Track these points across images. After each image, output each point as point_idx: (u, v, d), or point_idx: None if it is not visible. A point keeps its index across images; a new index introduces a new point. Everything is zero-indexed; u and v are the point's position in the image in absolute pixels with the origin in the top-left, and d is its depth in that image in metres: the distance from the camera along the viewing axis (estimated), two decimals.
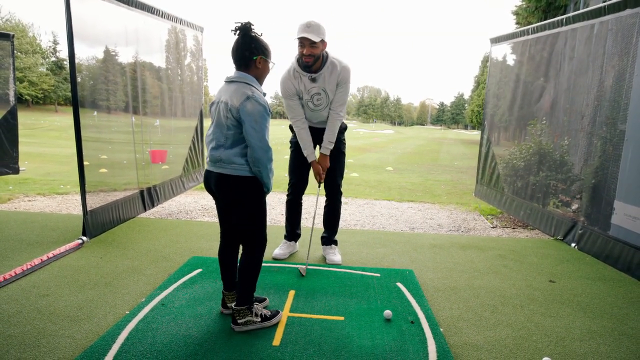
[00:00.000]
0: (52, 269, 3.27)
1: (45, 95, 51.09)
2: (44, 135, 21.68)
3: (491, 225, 5.41)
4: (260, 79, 2.42)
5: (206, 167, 2.49)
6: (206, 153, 2.52)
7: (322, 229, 3.86)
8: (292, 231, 3.82)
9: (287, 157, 3.73)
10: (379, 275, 3.41)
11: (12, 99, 7.10)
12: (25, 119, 27.88)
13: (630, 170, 3.74)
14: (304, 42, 3.11)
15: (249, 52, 2.33)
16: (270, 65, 2.45)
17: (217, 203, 2.57)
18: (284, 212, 3.92)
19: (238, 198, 2.39)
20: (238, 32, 2.33)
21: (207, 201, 6.17)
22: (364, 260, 3.77)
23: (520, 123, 5.75)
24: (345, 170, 3.73)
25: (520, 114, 5.69)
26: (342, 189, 3.71)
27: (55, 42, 56.17)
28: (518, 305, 2.99)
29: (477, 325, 2.67)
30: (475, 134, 47.03)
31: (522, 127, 5.67)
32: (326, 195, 3.72)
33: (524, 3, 15.74)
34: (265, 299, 2.80)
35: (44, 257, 3.39)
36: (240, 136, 2.31)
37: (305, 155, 3.47)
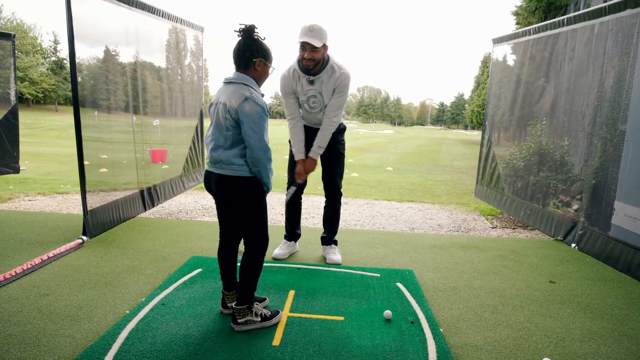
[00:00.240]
0: (52, 269, 3.28)
1: (45, 94, 51.15)
2: (44, 135, 21.69)
3: (491, 226, 5.41)
4: (258, 81, 2.42)
5: (206, 167, 2.49)
6: (206, 153, 2.53)
7: (322, 230, 3.86)
8: (292, 231, 3.82)
9: (287, 156, 3.73)
10: (378, 275, 3.41)
11: (13, 98, 7.10)
12: (26, 119, 27.89)
13: (630, 170, 3.74)
14: (305, 46, 3.11)
15: (250, 53, 2.34)
16: (270, 70, 2.46)
17: (216, 203, 2.57)
18: (283, 212, 3.92)
19: (239, 198, 2.40)
20: (241, 33, 2.34)
21: (207, 201, 6.17)
22: (364, 261, 3.78)
23: (520, 123, 5.75)
24: (346, 170, 3.74)
25: (520, 114, 5.69)
26: (342, 190, 3.71)
27: (56, 42, 56.26)
28: (518, 305, 2.99)
29: (477, 326, 2.67)
30: (475, 134, 47.05)
31: (523, 128, 5.67)
32: (326, 196, 3.72)
33: (524, 3, 15.73)
34: (265, 299, 2.80)
35: (44, 257, 3.39)
36: (239, 137, 2.31)
37: (294, 152, 3.47)
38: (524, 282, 3.43)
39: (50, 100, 53.74)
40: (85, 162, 3.93)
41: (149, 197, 5.11)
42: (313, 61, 3.16)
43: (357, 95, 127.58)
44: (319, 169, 3.63)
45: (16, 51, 7.40)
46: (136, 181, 4.91)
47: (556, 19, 4.88)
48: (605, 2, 4.50)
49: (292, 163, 3.61)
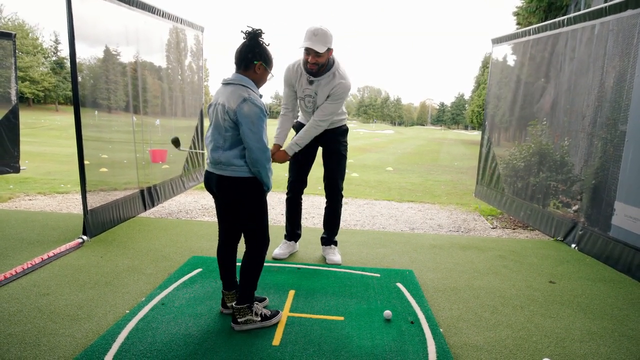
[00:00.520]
0: (52, 268, 3.28)
1: (46, 94, 51.21)
2: (44, 135, 21.70)
3: (491, 226, 5.41)
4: (257, 84, 2.43)
5: (206, 167, 2.50)
6: (206, 153, 2.53)
7: (322, 230, 3.86)
8: (292, 231, 3.82)
9: None
10: (378, 275, 3.41)
11: (13, 98, 7.11)
12: (26, 118, 27.90)
13: (630, 171, 3.74)
14: (309, 51, 3.10)
15: (252, 55, 2.35)
16: (269, 76, 2.47)
17: (216, 203, 2.58)
18: (284, 212, 3.92)
19: (239, 198, 2.41)
20: (247, 35, 2.35)
21: (207, 201, 6.18)
22: (364, 261, 3.78)
23: (520, 123, 5.75)
24: (346, 171, 3.74)
25: (520, 115, 5.69)
26: (342, 191, 3.70)
27: (56, 42, 56.31)
28: (518, 306, 2.99)
29: (477, 326, 2.67)
30: (476, 134, 47.05)
31: (523, 128, 5.67)
32: (326, 197, 3.72)
33: (524, 3, 15.72)
34: (265, 299, 2.80)
35: (45, 256, 3.40)
36: (238, 137, 2.32)
37: (274, 136, 3.46)
38: (524, 283, 3.43)
39: (51, 99, 53.79)
40: (86, 162, 3.93)
41: (149, 196, 5.11)
42: (317, 65, 3.16)
43: (358, 95, 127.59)
44: (320, 170, 3.63)
45: (17, 51, 7.40)
46: (136, 181, 4.91)
47: (556, 20, 4.88)
48: (605, 2, 4.50)
49: (294, 163, 3.61)
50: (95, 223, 4.11)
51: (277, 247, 3.82)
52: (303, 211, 4.04)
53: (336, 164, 3.56)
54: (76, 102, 3.83)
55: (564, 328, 2.69)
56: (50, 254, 3.47)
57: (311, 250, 3.99)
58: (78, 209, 5.27)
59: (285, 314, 2.70)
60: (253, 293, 2.51)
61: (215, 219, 4.95)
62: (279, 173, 8.27)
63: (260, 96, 2.42)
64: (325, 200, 3.75)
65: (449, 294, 3.15)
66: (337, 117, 3.51)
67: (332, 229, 3.77)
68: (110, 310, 2.67)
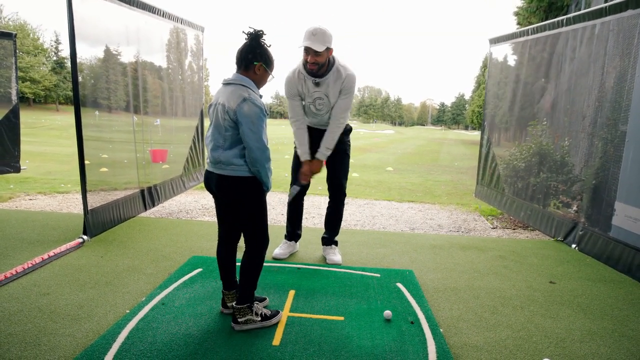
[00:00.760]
0: (52, 268, 3.28)
1: (47, 94, 51.27)
2: (45, 134, 21.71)
3: (491, 226, 5.41)
4: (257, 85, 2.43)
5: (206, 167, 2.51)
6: (206, 153, 2.54)
7: (322, 230, 3.85)
8: (293, 231, 3.82)
9: (287, 157, 3.73)
10: (379, 275, 3.41)
11: (14, 97, 7.11)
12: (27, 118, 27.92)
13: (631, 171, 3.74)
14: (308, 50, 3.10)
15: (252, 55, 2.35)
16: (269, 77, 2.48)
17: (216, 202, 2.58)
18: (284, 212, 3.93)
19: (239, 198, 2.41)
20: (248, 35, 2.35)
21: (208, 201, 6.18)
22: (364, 261, 3.78)
23: (520, 124, 5.75)
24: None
25: (520, 115, 5.69)
26: (345, 191, 3.70)
27: (57, 42, 56.36)
28: (518, 306, 2.99)
29: (477, 326, 2.67)
30: (476, 135, 47.02)
31: (523, 128, 5.67)
32: (330, 197, 3.72)
33: (525, 3, 15.70)
34: (265, 299, 2.80)
35: (45, 256, 3.40)
36: (238, 137, 2.32)
37: (299, 154, 3.46)
38: (524, 283, 3.42)
39: (51, 99, 53.84)
40: (86, 162, 3.93)
41: (149, 196, 5.11)
42: (317, 65, 3.15)
43: (358, 95, 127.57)
44: (323, 170, 3.63)
45: (18, 51, 7.42)
46: (137, 181, 4.91)
47: (555, 20, 4.87)
48: (606, 2, 4.50)
49: (296, 163, 3.61)
50: (96, 223, 4.11)
51: (277, 247, 3.82)
52: (303, 211, 4.04)
53: (339, 163, 3.56)
54: (77, 102, 3.84)
55: (564, 328, 2.69)
56: (51, 253, 3.47)
57: (311, 250, 3.99)
58: (78, 209, 5.27)
59: (285, 314, 2.70)
60: (253, 293, 2.52)
61: (215, 219, 4.95)
62: (279, 173, 8.27)
63: (261, 96, 2.43)
64: (327, 199, 3.74)
65: (449, 294, 3.15)
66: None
67: (333, 229, 3.77)
68: (111, 310, 2.67)
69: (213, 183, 2.45)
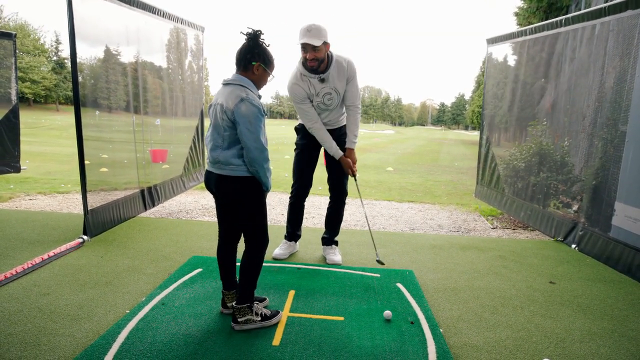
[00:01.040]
0: (52, 268, 3.28)
1: (47, 94, 51.31)
2: (45, 134, 21.71)
3: (491, 226, 5.41)
4: (256, 85, 2.43)
5: (206, 167, 2.51)
6: (206, 153, 2.55)
7: (322, 230, 3.85)
8: (293, 232, 3.82)
9: (288, 157, 3.74)
10: (378, 275, 3.41)
11: (14, 97, 7.12)
12: (27, 118, 27.93)
13: (631, 171, 3.74)
14: (306, 47, 3.12)
15: (251, 55, 2.36)
16: (270, 77, 2.48)
17: (216, 202, 2.58)
18: (284, 212, 3.93)
19: (238, 198, 2.42)
20: (247, 35, 2.36)
21: (208, 201, 6.18)
22: (364, 261, 3.78)
23: (520, 124, 5.75)
24: None
25: (520, 115, 5.69)
26: (346, 190, 3.70)
27: (57, 42, 56.37)
28: (518, 306, 2.99)
29: (477, 326, 2.67)
30: (476, 135, 47.00)
31: (523, 128, 5.67)
32: (331, 197, 3.72)
33: (524, 4, 15.70)
34: (265, 299, 2.80)
35: (45, 256, 3.40)
36: (236, 137, 2.33)
37: (332, 154, 3.46)
38: (524, 283, 3.42)
39: (51, 99, 53.85)
40: (86, 162, 3.93)
41: (149, 196, 5.11)
42: (317, 61, 3.17)
43: None
44: (323, 171, 3.63)
45: (18, 51, 7.43)
46: (137, 181, 4.91)
47: (553, 20, 4.87)
48: (606, 2, 4.50)
49: (299, 167, 3.60)
50: (96, 223, 4.11)
51: (277, 247, 3.82)
52: (304, 212, 4.04)
53: (340, 163, 3.56)
54: (77, 102, 3.84)
55: (564, 328, 2.69)
56: (51, 253, 3.47)
57: (311, 250, 3.99)
58: (78, 209, 5.27)
59: (285, 314, 2.70)
60: (253, 293, 2.52)
61: (216, 219, 4.95)
62: (279, 173, 8.27)
63: (260, 97, 2.43)
64: (327, 199, 3.74)
65: (449, 294, 3.15)
66: (341, 116, 3.53)
67: (333, 229, 3.77)
68: (111, 310, 2.67)
69: (212, 183, 2.46)
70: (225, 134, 2.34)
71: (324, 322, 2.63)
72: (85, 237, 3.92)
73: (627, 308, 3.04)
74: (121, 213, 4.55)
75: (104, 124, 4.70)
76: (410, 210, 6.22)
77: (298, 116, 3.56)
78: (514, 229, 5.28)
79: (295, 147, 3.66)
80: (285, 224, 3.88)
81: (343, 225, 3.82)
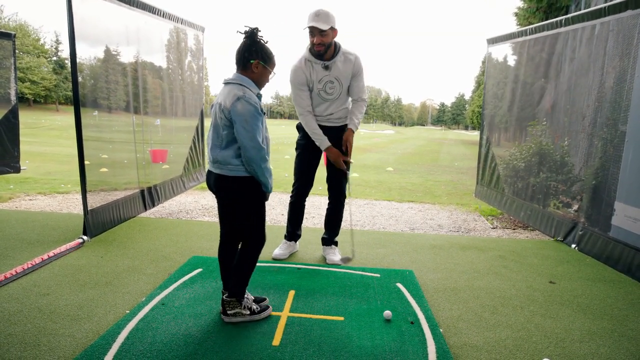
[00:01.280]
0: (52, 268, 3.28)
1: (47, 94, 51.32)
2: (44, 135, 21.71)
3: (491, 226, 5.41)
4: (257, 84, 2.43)
5: (207, 167, 2.52)
6: (207, 153, 2.55)
7: (322, 230, 3.85)
8: (293, 232, 3.82)
9: (288, 157, 3.74)
10: (378, 275, 3.41)
11: (13, 98, 7.12)
12: (27, 118, 27.91)
13: (630, 171, 3.74)
14: (313, 31, 3.15)
15: (249, 54, 2.36)
16: (270, 75, 2.47)
17: (218, 202, 2.59)
18: (284, 212, 3.93)
19: (236, 197, 2.43)
20: (244, 34, 2.36)
21: (208, 201, 6.18)
22: (364, 261, 3.78)
23: (520, 124, 5.75)
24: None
25: (520, 115, 5.69)
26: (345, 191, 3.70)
27: (57, 42, 56.39)
28: (518, 306, 2.99)
29: (477, 326, 2.67)
30: (476, 135, 47.05)
31: (522, 128, 5.67)
32: (330, 197, 3.71)
33: (524, 4, 15.70)
34: (265, 299, 2.80)
35: (45, 256, 3.40)
36: (234, 137, 2.33)
37: (318, 144, 3.42)
38: (524, 283, 3.43)
39: (51, 99, 53.87)
40: (86, 162, 3.93)
41: (149, 196, 5.11)
42: (323, 45, 3.19)
43: None
44: (323, 171, 3.63)
45: (18, 51, 7.44)
46: (137, 181, 4.91)
47: (553, 20, 4.87)
48: (606, 2, 4.50)
49: (300, 167, 3.59)
50: (96, 223, 4.11)
51: (277, 247, 3.82)
52: (304, 212, 4.03)
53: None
54: (76, 102, 3.84)
55: (564, 328, 2.69)
56: (51, 254, 3.47)
57: (311, 250, 3.99)
58: (78, 209, 5.27)
59: (285, 314, 2.70)
60: (244, 288, 2.57)
61: (216, 219, 4.95)
62: (279, 173, 8.27)
63: (260, 96, 2.42)
64: (327, 199, 3.74)
65: (449, 294, 3.15)
66: (342, 116, 3.53)
67: (333, 229, 3.77)
68: (111, 310, 2.67)
69: (212, 182, 2.48)
70: (223, 133, 2.35)
71: (324, 322, 2.63)
72: (85, 238, 3.92)
73: (627, 308, 3.04)
74: (121, 213, 4.55)
75: (104, 124, 4.70)
76: (410, 210, 6.22)
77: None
78: (514, 229, 5.28)
79: (296, 146, 3.65)
80: (285, 224, 3.88)
81: (343, 225, 3.82)
